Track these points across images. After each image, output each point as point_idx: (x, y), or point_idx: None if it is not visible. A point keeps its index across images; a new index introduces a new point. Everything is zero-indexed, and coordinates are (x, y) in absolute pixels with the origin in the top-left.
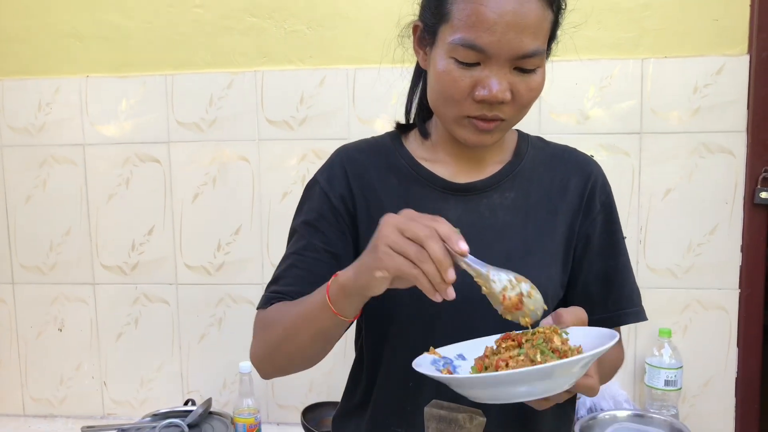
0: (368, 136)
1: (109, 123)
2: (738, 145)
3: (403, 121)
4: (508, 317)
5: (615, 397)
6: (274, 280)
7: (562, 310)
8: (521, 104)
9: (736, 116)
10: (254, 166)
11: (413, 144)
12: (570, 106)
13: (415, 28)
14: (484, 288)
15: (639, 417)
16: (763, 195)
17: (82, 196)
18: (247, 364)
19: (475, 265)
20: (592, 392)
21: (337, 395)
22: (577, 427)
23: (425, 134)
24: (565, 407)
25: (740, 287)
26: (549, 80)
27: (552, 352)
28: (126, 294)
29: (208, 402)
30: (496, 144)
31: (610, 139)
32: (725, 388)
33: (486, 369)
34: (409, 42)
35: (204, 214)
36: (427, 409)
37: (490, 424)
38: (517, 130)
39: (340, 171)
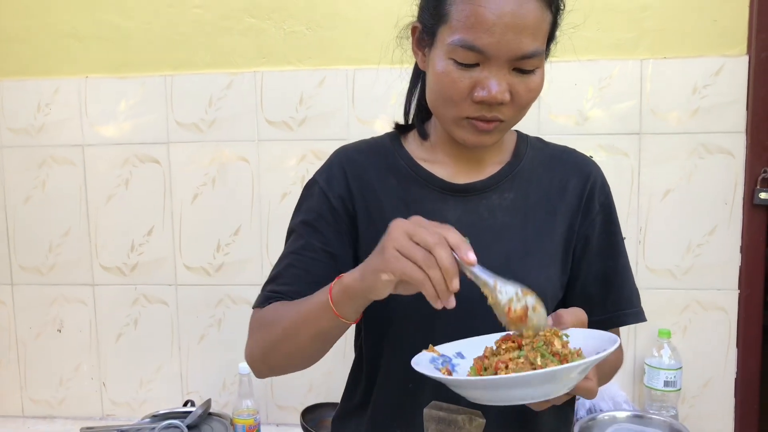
0: (368, 136)
1: (109, 123)
2: (737, 145)
3: (402, 121)
4: (512, 329)
5: (614, 398)
6: (271, 279)
7: (562, 311)
8: (520, 105)
9: (736, 117)
10: (253, 167)
11: (412, 145)
12: (569, 106)
13: (413, 30)
14: (489, 298)
15: (638, 418)
16: (763, 195)
17: (82, 197)
18: (246, 365)
19: (482, 275)
20: (590, 395)
21: (336, 396)
22: (576, 428)
23: (424, 135)
24: (564, 408)
25: (740, 288)
26: (548, 81)
27: (552, 355)
28: (125, 295)
29: (208, 403)
30: (495, 145)
31: (610, 140)
32: (725, 388)
33: (485, 370)
34: (408, 43)
35: (203, 215)
36: (426, 411)
37: (489, 425)
38: (516, 130)
39: (339, 172)
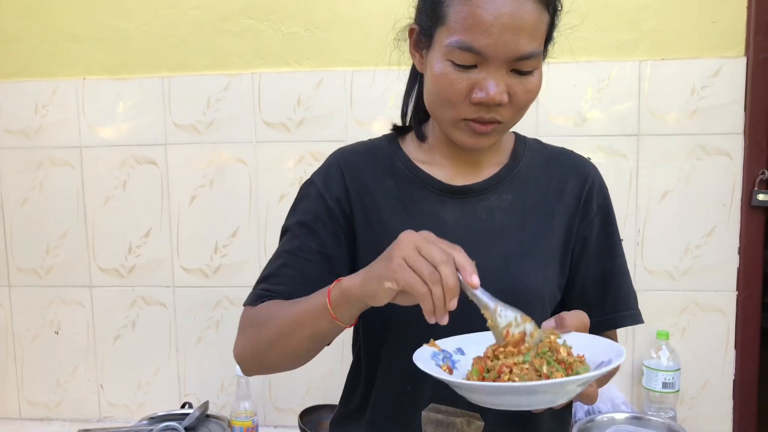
0: (365, 138)
1: (106, 125)
2: (735, 147)
3: (399, 123)
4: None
5: (613, 400)
6: (264, 278)
7: (564, 314)
8: (518, 106)
9: (734, 118)
10: (251, 169)
11: (410, 146)
12: (567, 108)
13: (411, 31)
14: (489, 321)
15: (637, 419)
16: (761, 197)
17: (79, 199)
18: None
19: (483, 298)
20: (591, 401)
21: (334, 398)
22: (574, 430)
23: (421, 137)
24: (562, 410)
25: (738, 289)
26: (546, 82)
27: (558, 363)
28: (123, 297)
29: (205, 405)
30: (493, 146)
31: (608, 141)
32: (723, 390)
33: (488, 372)
34: (405, 45)
35: (201, 217)
36: (424, 413)
37: (487, 428)
38: (514, 132)
39: (337, 173)
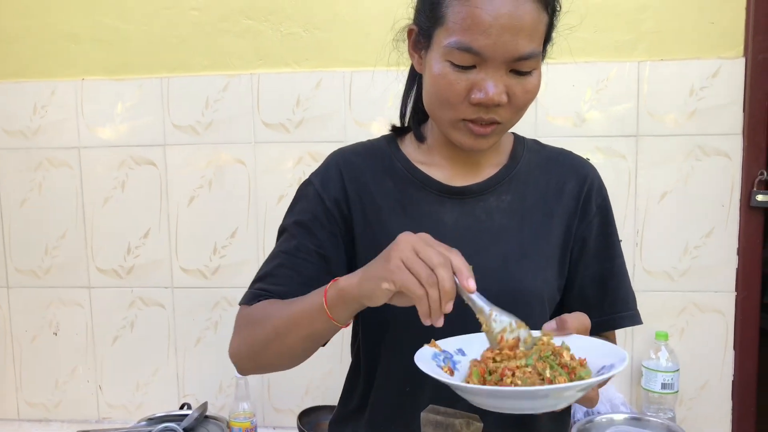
0: (365, 138)
1: (105, 126)
2: (734, 147)
3: (398, 124)
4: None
5: (612, 400)
6: (261, 278)
7: (566, 316)
8: (517, 107)
9: (733, 119)
10: (250, 169)
11: (409, 147)
12: (566, 108)
13: (410, 32)
14: (484, 326)
15: (636, 420)
16: (760, 198)
17: (78, 200)
18: None
19: (479, 302)
20: (592, 404)
21: (333, 399)
22: (573, 430)
23: (420, 138)
24: (561, 411)
25: (737, 290)
26: (545, 83)
27: (561, 367)
28: (121, 297)
29: (204, 406)
30: (492, 147)
31: (607, 142)
32: (722, 391)
33: (490, 374)
34: (404, 45)
35: (200, 218)
36: (423, 414)
37: (487, 429)
38: (513, 133)
39: (335, 174)
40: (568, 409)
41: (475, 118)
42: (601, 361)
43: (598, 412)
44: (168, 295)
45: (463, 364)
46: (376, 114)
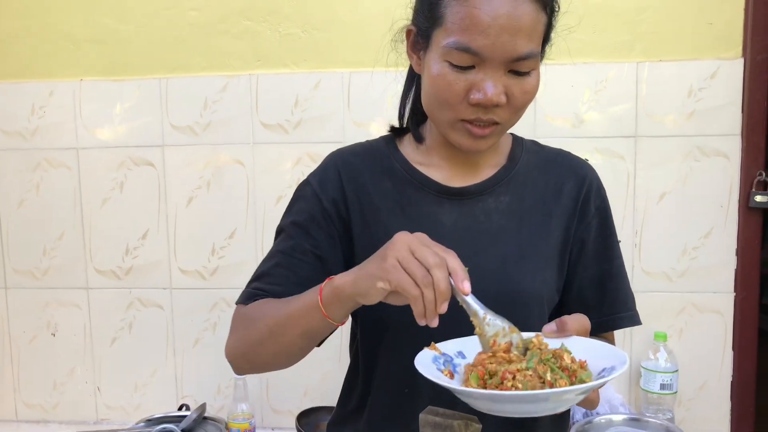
0: (363, 139)
1: (104, 126)
2: (733, 148)
3: (397, 124)
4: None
5: (610, 401)
6: (257, 277)
7: (566, 318)
8: (516, 107)
9: (731, 119)
10: (249, 170)
11: (408, 148)
12: (565, 109)
13: (408, 33)
14: (477, 329)
15: (635, 421)
16: (758, 198)
17: (76, 200)
18: None
19: (473, 305)
20: (592, 406)
21: (332, 400)
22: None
23: (419, 138)
24: (561, 413)
25: (735, 290)
26: (544, 84)
27: (561, 370)
28: (120, 298)
29: (203, 407)
30: (490, 148)
31: (605, 143)
32: (721, 391)
33: (491, 377)
34: (403, 46)
35: (198, 218)
36: (422, 416)
37: (486, 430)
38: (511, 133)
39: (334, 174)
40: (567, 410)
41: (474, 119)
42: (602, 363)
43: (597, 413)
44: (166, 296)
45: (464, 367)
46: (374, 115)
